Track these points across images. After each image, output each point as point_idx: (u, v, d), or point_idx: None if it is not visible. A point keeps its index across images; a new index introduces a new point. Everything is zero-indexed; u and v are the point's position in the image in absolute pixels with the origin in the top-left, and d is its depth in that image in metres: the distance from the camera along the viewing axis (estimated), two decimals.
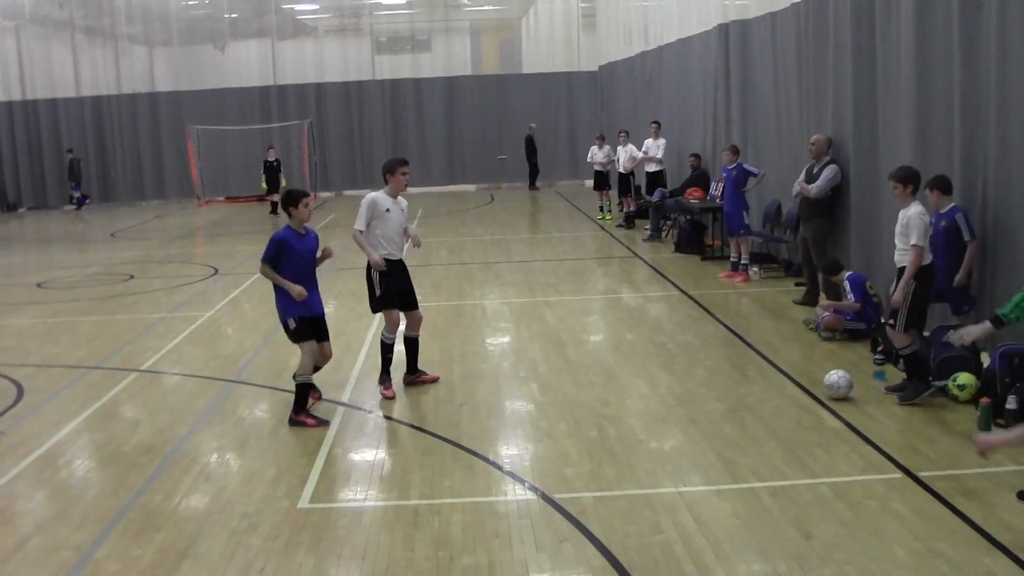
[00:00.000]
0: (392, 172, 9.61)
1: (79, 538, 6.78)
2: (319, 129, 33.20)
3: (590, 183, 32.25)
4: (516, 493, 7.28)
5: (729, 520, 6.61)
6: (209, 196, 32.15)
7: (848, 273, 11.49)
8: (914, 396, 8.82)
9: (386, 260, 9.60)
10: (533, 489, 7.30)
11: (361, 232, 9.58)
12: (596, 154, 23.61)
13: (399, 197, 9.75)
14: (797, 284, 13.96)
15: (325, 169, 33.27)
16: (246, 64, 33.98)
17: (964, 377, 8.79)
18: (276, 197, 27.91)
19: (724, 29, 17.65)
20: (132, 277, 18.05)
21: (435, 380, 10.21)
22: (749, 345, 11.23)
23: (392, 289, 9.73)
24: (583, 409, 9.11)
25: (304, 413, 9.03)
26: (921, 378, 8.90)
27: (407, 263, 10.06)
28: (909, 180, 8.87)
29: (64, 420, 9.47)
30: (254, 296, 15.58)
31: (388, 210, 9.59)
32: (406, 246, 9.92)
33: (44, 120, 33.30)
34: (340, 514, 7.03)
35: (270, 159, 28.02)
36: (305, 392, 9.10)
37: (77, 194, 32.35)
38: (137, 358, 11.80)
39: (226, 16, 34.65)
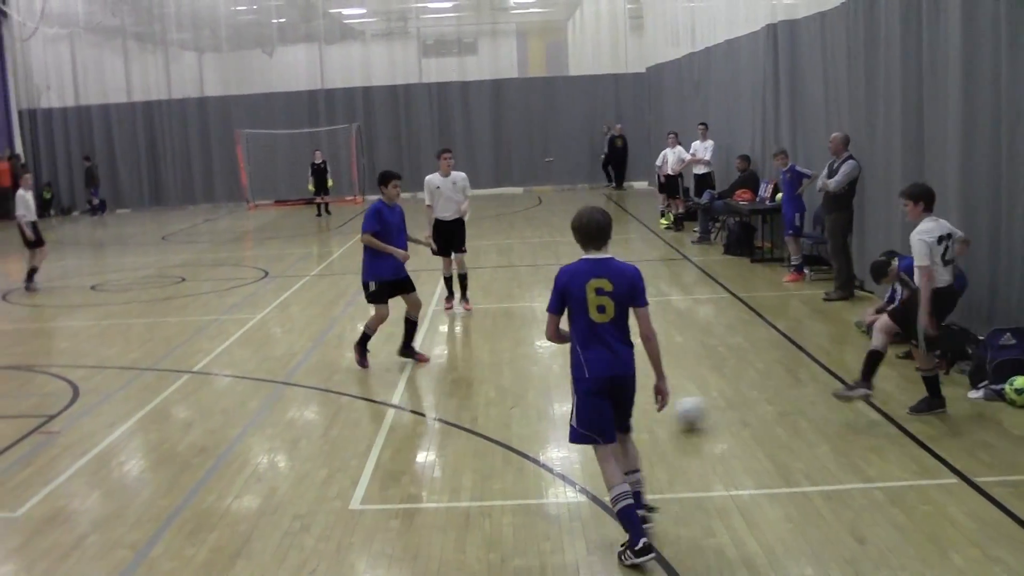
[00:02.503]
0: (438, 157, 13.38)
1: (134, 537, 6.87)
2: (367, 132, 33.33)
3: (639, 185, 32.31)
4: (567, 495, 7.28)
5: (782, 524, 6.56)
6: (258, 200, 32.42)
7: (897, 262, 10.61)
8: (924, 408, 8.59)
9: (440, 219, 13.27)
10: (584, 491, 7.29)
11: (429, 206, 13.33)
12: (668, 155, 22.06)
13: (452, 172, 13.22)
14: None
15: (373, 172, 33.27)
16: (294, 68, 34.23)
17: (1021, 381, 8.64)
18: (325, 199, 28.21)
19: (772, 29, 17.52)
20: (183, 280, 18.27)
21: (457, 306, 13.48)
22: (800, 348, 11.13)
23: (440, 244, 13.20)
24: (634, 412, 9.05)
25: (362, 349, 10.88)
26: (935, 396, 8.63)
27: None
28: (920, 197, 8.38)
29: (118, 421, 9.60)
30: (304, 298, 15.71)
31: (438, 187, 13.22)
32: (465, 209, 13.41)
33: (97, 125, 33.85)
34: (391, 515, 7.06)
35: (317, 161, 28.26)
36: (366, 339, 10.89)
37: (96, 200, 33.02)
38: (189, 360, 11.94)
39: (274, 21, 34.92)
